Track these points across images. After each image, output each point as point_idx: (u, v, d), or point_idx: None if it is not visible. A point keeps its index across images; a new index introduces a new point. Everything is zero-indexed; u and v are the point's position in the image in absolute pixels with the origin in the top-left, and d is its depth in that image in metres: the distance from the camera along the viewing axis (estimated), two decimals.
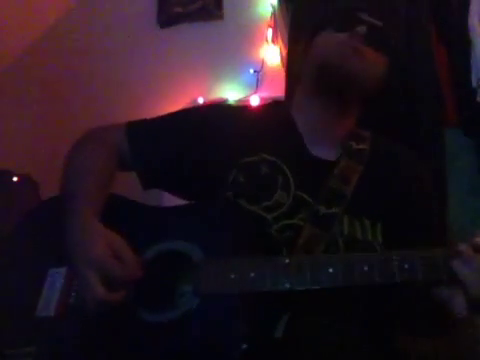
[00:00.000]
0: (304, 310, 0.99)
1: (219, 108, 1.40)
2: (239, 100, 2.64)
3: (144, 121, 1.26)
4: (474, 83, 1.90)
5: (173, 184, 1.22)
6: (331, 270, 0.92)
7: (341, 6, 1.23)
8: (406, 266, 0.91)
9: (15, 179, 2.46)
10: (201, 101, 2.68)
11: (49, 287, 1.04)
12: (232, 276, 0.93)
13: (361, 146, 1.20)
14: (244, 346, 0.87)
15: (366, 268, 0.91)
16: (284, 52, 2.52)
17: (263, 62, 2.67)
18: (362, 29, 1.16)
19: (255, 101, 2.58)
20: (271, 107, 1.31)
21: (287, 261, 0.94)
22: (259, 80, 2.63)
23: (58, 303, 1.02)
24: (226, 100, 2.67)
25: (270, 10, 2.68)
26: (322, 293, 0.96)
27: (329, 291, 0.96)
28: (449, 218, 1.64)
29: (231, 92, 2.69)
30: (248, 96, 2.64)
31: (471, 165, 2.01)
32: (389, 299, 1.05)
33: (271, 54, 2.65)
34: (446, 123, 2.01)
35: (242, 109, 1.35)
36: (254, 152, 1.14)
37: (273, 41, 2.66)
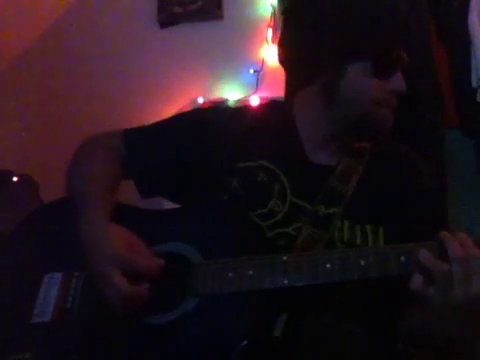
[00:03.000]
0: (304, 309, 0.99)
1: (218, 111, 1.38)
2: (239, 100, 2.63)
3: (141, 128, 1.24)
4: (474, 83, 1.91)
5: (171, 190, 1.21)
6: (328, 265, 0.92)
7: (382, 42, 1.08)
8: (403, 259, 0.90)
9: (15, 179, 2.46)
10: (201, 101, 2.67)
11: (45, 292, 1.04)
12: (230, 275, 0.94)
13: (363, 144, 1.17)
14: (244, 342, 0.87)
15: (363, 262, 0.91)
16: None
17: (263, 62, 2.66)
18: (399, 84, 1.10)
19: (255, 101, 2.58)
20: (271, 108, 1.27)
21: (285, 258, 0.94)
22: (259, 80, 2.63)
23: (55, 308, 1.02)
24: (226, 100, 2.66)
25: (270, 10, 2.67)
26: (323, 292, 0.97)
27: (330, 290, 0.97)
28: (449, 218, 1.64)
29: (231, 92, 2.68)
30: (248, 96, 2.63)
31: (471, 165, 2.02)
32: (391, 299, 1.03)
33: (271, 54, 2.64)
34: (446, 123, 2.01)
35: (242, 111, 1.31)
36: (253, 157, 1.13)
37: (273, 41, 2.64)
